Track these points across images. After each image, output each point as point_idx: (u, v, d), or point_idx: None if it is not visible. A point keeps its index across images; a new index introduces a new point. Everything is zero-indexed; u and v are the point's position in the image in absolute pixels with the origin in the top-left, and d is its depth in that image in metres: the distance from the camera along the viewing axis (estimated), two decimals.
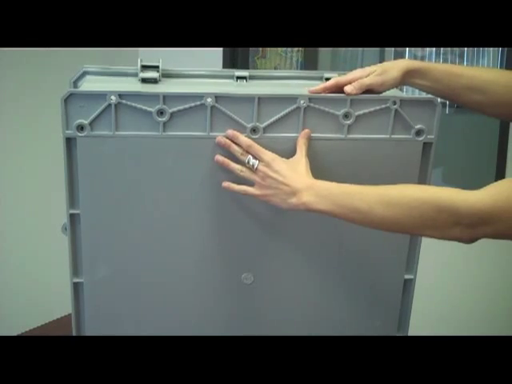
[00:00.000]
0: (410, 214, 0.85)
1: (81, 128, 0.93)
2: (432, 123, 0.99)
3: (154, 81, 1.01)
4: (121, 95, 0.92)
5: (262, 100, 0.95)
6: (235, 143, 0.95)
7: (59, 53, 1.86)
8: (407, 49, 2.39)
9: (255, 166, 0.93)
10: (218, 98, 0.94)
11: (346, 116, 0.97)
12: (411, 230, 0.90)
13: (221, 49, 2.32)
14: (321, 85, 0.99)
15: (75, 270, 1.00)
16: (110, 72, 1.04)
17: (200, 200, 0.99)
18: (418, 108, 0.98)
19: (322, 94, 0.97)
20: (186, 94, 0.94)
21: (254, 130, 0.96)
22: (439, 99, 0.99)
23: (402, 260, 1.06)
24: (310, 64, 2.42)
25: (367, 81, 0.96)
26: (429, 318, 2.02)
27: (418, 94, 1.17)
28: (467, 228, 0.82)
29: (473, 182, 1.14)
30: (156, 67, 1.01)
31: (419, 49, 2.38)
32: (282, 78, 1.08)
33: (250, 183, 0.95)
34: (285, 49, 2.42)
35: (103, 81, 1.01)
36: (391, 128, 0.98)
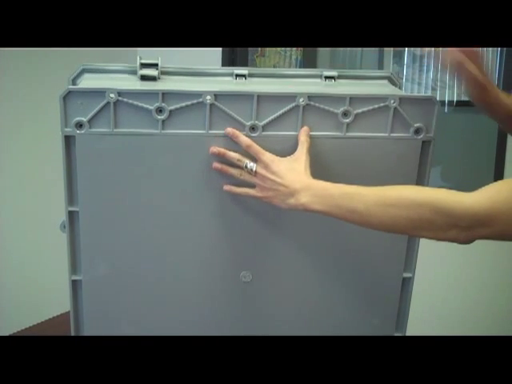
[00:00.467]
0: (407, 216, 0.85)
1: (79, 125, 0.93)
2: (431, 121, 0.99)
3: (153, 78, 1.01)
4: (120, 93, 0.92)
5: (260, 98, 0.95)
6: (233, 143, 0.95)
7: (58, 52, 1.86)
8: (406, 49, 2.39)
9: (253, 169, 0.93)
10: (217, 95, 0.94)
11: (345, 114, 0.97)
12: (409, 231, 0.91)
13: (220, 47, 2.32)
14: None
15: (74, 267, 1.00)
16: (109, 70, 1.04)
17: (199, 198, 0.99)
18: (417, 106, 0.98)
19: (321, 92, 0.97)
20: (185, 91, 0.94)
21: (252, 128, 0.96)
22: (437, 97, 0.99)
23: (401, 258, 1.06)
24: (308, 62, 2.42)
25: None
26: (427, 316, 2.02)
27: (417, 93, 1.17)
28: (464, 230, 0.82)
29: (471, 181, 1.15)
30: (155, 65, 1.01)
31: (418, 49, 2.38)
32: (281, 76, 1.08)
33: (251, 184, 0.95)
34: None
35: (102, 78, 1.01)
36: (390, 126, 0.98)
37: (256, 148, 0.94)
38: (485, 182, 0.83)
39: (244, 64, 2.36)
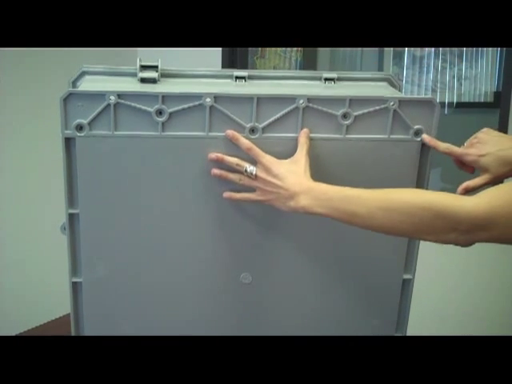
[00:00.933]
0: (408, 220, 0.85)
1: (80, 128, 0.93)
2: (431, 123, 0.99)
3: (153, 81, 1.01)
4: (120, 95, 0.92)
5: (260, 100, 0.95)
6: (233, 145, 0.95)
7: (58, 53, 1.86)
8: (406, 49, 2.39)
9: (254, 173, 0.93)
10: (216, 98, 0.94)
11: (345, 116, 0.97)
12: (409, 234, 0.91)
13: (220, 49, 2.32)
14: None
15: (74, 269, 1.00)
16: (109, 72, 1.04)
17: (199, 200, 0.99)
18: (417, 108, 0.98)
19: (320, 94, 0.97)
20: (185, 93, 0.94)
21: (252, 130, 0.96)
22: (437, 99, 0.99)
23: (401, 260, 1.06)
24: (309, 64, 2.42)
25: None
26: (427, 318, 2.02)
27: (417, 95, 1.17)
28: (464, 233, 0.83)
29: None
30: (155, 67, 1.01)
31: (418, 49, 2.39)
32: (280, 78, 1.08)
33: (250, 189, 0.95)
34: (284, 49, 2.42)
35: (102, 81, 1.01)
36: (390, 128, 0.98)
37: (256, 151, 0.94)
38: None
39: (244, 66, 2.36)
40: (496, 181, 1.00)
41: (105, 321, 1.03)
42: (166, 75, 1.03)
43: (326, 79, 1.06)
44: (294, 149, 0.96)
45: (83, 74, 1.03)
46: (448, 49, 2.34)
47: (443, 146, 1.00)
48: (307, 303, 1.07)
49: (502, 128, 2.08)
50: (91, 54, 1.59)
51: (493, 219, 0.81)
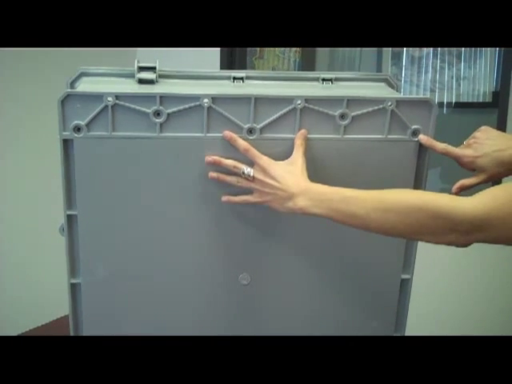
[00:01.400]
0: (406, 221, 0.85)
1: (78, 129, 0.93)
2: (428, 123, 0.99)
3: (151, 82, 1.01)
4: (118, 96, 0.92)
5: (258, 101, 0.95)
6: (233, 146, 0.95)
7: (56, 54, 1.86)
8: (404, 49, 2.39)
9: (251, 175, 0.93)
10: (214, 99, 0.94)
11: (343, 117, 0.97)
12: (407, 235, 0.91)
13: (218, 49, 2.32)
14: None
15: (72, 270, 1.00)
16: (107, 73, 1.04)
17: (197, 200, 0.99)
18: (414, 108, 0.98)
19: (318, 95, 0.97)
20: (183, 95, 0.94)
21: (250, 131, 0.96)
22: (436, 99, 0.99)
23: (399, 260, 1.06)
24: (307, 65, 2.42)
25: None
26: (426, 318, 2.02)
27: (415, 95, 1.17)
28: (462, 234, 0.83)
29: None
30: (153, 68, 1.01)
31: (416, 49, 2.39)
32: (278, 78, 1.08)
33: (248, 191, 0.96)
34: (282, 49, 2.42)
35: (100, 82, 1.01)
36: (387, 128, 0.98)
37: (253, 152, 0.94)
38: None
39: (242, 66, 2.36)
40: (492, 180, 1.00)
41: (103, 321, 1.03)
42: (163, 76, 1.04)
43: (324, 80, 1.06)
44: (292, 149, 0.96)
45: (81, 75, 1.03)
46: (446, 49, 2.34)
47: (440, 146, 1.00)
48: (305, 304, 1.07)
49: (501, 128, 2.08)
50: (89, 55, 1.59)
51: (490, 220, 0.81)
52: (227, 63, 2.33)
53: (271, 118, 0.96)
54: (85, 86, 0.99)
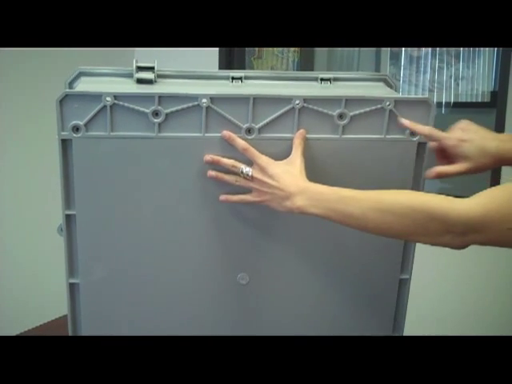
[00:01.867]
0: (402, 222, 0.85)
1: (76, 129, 0.93)
2: (426, 123, 0.99)
3: (150, 82, 1.01)
4: (116, 96, 0.92)
5: (256, 100, 0.95)
6: (229, 145, 0.95)
7: (55, 54, 1.86)
8: (403, 49, 2.39)
9: (250, 174, 0.94)
10: (213, 98, 0.94)
11: (341, 116, 0.97)
12: (404, 236, 0.91)
13: (217, 50, 2.33)
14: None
15: (71, 270, 1.00)
16: (106, 73, 1.04)
17: (196, 200, 0.99)
18: (413, 108, 0.98)
19: (316, 95, 0.97)
20: (181, 94, 0.94)
21: (249, 131, 0.96)
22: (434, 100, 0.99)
23: (397, 260, 1.06)
24: (306, 64, 2.42)
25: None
26: (424, 318, 2.02)
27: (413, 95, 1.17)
28: (458, 236, 0.83)
29: (469, 181, 1.14)
30: (151, 68, 1.01)
31: (415, 49, 2.39)
32: (277, 78, 1.08)
33: (246, 190, 0.96)
34: (281, 49, 2.43)
35: (98, 82, 1.01)
36: (386, 128, 0.99)
37: (252, 151, 0.94)
38: (481, 182, 0.83)
39: (241, 66, 2.36)
40: (473, 172, 0.98)
41: (102, 321, 1.03)
42: (162, 76, 1.04)
43: (322, 79, 1.06)
44: (290, 149, 0.96)
45: (79, 75, 1.03)
46: (445, 49, 2.35)
47: (425, 128, 0.98)
48: (304, 304, 1.07)
49: (499, 128, 2.08)
50: (87, 55, 1.59)
51: (487, 222, 0.81)
52: (226, 63, 2.33)
53: (270, 118, 0.96)
54: (83, 85, 0.99)
